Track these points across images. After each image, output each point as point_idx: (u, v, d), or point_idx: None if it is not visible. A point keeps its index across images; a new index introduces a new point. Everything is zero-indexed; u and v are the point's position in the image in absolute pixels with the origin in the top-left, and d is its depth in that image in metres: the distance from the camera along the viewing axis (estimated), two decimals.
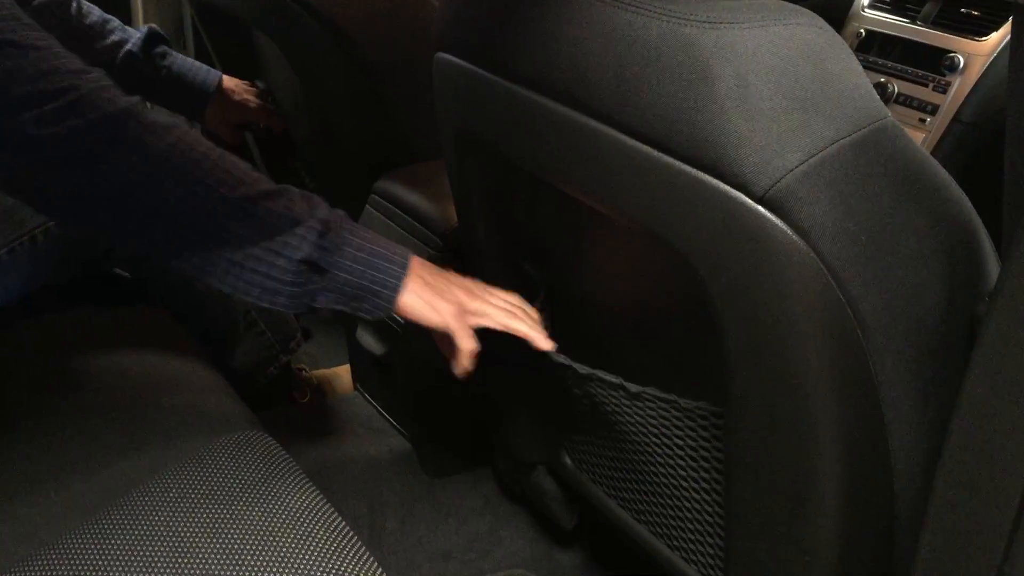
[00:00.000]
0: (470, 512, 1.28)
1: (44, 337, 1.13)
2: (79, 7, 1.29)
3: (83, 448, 0.98)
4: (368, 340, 1.27)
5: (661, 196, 0.70)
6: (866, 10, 1.56)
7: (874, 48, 1.54)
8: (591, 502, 1.13)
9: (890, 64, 1.50)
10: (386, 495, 1.25)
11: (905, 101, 1.48)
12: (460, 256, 1.13)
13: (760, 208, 0.65)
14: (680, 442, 0.91)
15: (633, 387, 0.92)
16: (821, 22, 0.68)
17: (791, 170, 0.63)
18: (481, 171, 0.97)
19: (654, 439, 0.96)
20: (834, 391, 0.70)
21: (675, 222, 0.71)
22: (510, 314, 0.90)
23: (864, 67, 1.53)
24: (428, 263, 0.91)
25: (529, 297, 0.97)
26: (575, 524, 1.25)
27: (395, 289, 0.86)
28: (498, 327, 0.89)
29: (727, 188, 0.65)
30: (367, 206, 1.27)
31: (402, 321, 1.21)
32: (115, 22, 1.33)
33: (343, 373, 1.54)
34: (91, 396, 1.04)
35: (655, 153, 0.69)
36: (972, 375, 0.61)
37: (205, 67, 1.42)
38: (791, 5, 0.69)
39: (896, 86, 1.49)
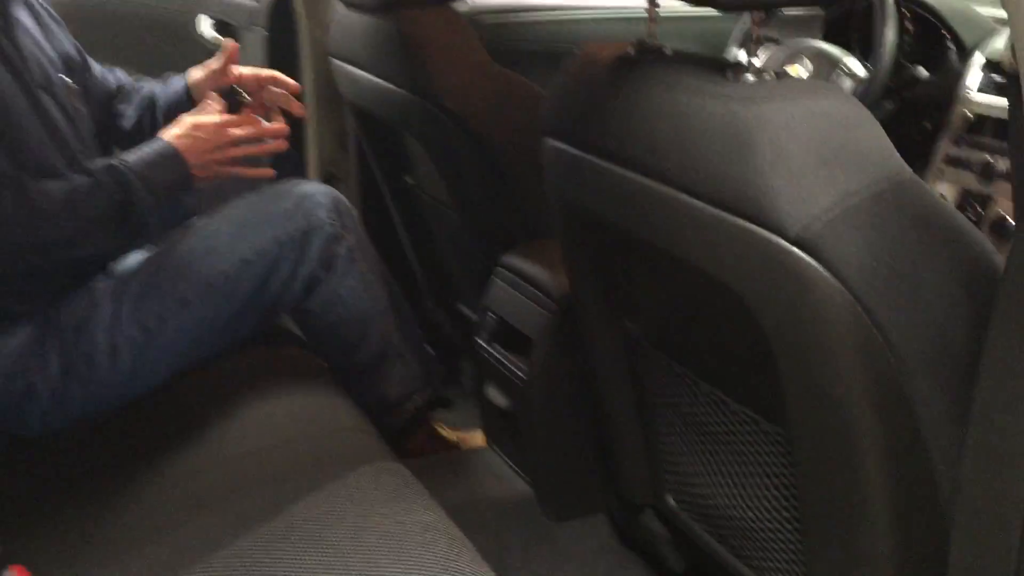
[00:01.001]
0: (588, 555, 1.40)
1: (189, 378, 1.35)
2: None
3: (242, 476, 1.17)
4: (494, 394, 1.43)
5: (717, 244, 0.84)
6: (972, 93, 1.64)
7: (984, 130, 1.61)
8: (695, 542, 1.23)
9: (997, 143, 1.56)
10: (509, 537, 1.39)
11: (1011, 177, 1.54)
12: (573, 317, 1.28)
13: (794, 248, 0.78)
14: (765, 468, 1.02)
15: (734, 404, 1.03)
16: (846, 95, 0.81)
17: (818, 215, 0.76)
18: (584, 238, 1.13)
19: (742, 467, 1.06)
20: (872, 410, 0.80)
21: (729, 265, 0.84)
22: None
23: (970, 147, 1.61)
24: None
25: None
26: (685, 566, 1.34)
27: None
28: None
29: (766, 233, 0.79)
30: (493, 276, 1.45)
31: (524, 377, 1.37)
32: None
33: (477, 435, 1.70)
34: (247, 433, 1.24)
35: (710, 208, 0.83)
36: (979, 385, 0.71)
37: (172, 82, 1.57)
38: (822, 83, 0.83)
39: (1003, 164, 1.55)
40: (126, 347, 1.32)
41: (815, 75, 1.70)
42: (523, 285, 1.38)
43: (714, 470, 1.13)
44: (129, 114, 1.59)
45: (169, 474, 1.20)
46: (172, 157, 1.31)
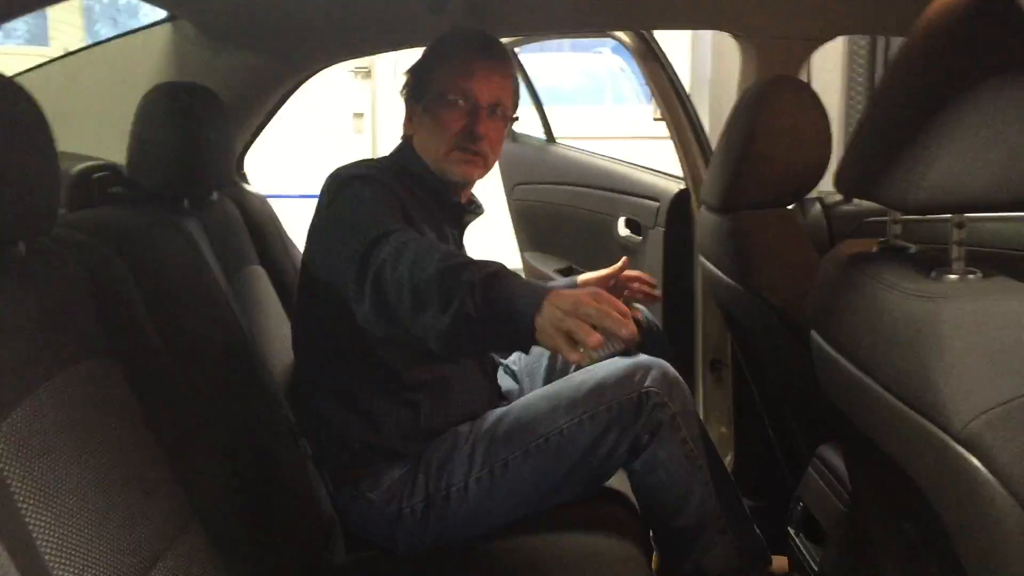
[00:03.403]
0: None
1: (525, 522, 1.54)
2: None
3: None
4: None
5: (901, 436, 0.85)
6: None
7: None
8: None
9: None
10: None
11: None
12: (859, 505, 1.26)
13: (958, 446, 0.76)
14: None
15: None
16: (1019, 296, 0.78)
17: (977, 414, 0.75)
18: (848, 431, 1.14)
19: None
20: None
21: (911, 459, 0.84)
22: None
23: None
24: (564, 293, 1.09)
25: None
26: None
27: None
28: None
29: (934, 428, 0.78)
30: (809, 467, 1.46)
31: (818, 570, 1.34)
32: None
33: None
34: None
35: (893, 400, 0.85)
36: None
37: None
38: (999, 281, 0.81)
39: None
40: (475, 486, 1.57)
41: None
42: (828, 476, 1.38)
43: None
44: None
45: None
46: (533, 292, 1.16)
